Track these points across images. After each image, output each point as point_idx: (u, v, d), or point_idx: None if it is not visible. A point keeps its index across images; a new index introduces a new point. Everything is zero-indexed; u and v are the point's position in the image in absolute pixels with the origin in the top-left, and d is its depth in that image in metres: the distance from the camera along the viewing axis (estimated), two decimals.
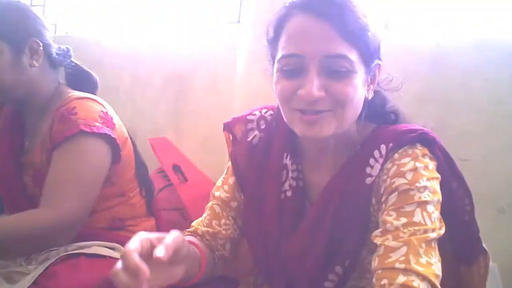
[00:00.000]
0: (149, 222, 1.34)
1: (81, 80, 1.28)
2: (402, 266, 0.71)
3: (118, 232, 1.23)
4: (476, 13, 1.53)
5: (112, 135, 1.13)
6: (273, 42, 0.84)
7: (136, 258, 0.63)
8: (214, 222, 0.97)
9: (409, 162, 0.79)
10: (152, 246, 0.67)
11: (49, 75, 1.21)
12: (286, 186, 0.91)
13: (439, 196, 0.79)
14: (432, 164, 0.81)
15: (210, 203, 1.00)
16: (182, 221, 1.48)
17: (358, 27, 0.78)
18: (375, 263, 0.75)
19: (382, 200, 0.80)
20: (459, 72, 1.42)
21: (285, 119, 0.85)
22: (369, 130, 0.88)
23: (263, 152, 0.95)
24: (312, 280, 0.86)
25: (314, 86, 0.76)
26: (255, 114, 0.99)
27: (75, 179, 1.08)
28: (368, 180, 0.82)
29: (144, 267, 0.62)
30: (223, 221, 0.97)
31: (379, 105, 0.90)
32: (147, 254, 0.66)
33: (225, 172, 1.02)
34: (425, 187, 0.77)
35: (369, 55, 0.81)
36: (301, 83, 0.78)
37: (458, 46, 1.43)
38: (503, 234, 1.33)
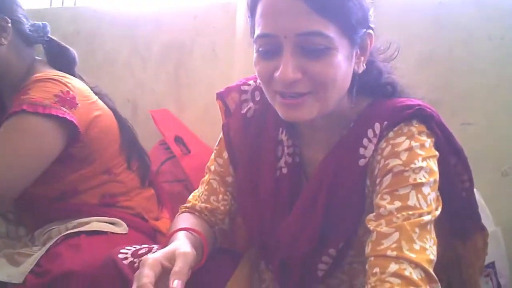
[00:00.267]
0: (144, 193, 1.33)
1: (56, 56, 1.25)
2: (394, 253, 0.69)
3: (111, 209, 1.23)
4: None
5: (67, 117, 1.09)
6: (251, 20, 0.80)
7: None
8: (212, 198, 0.96)
9: (404, 141, 0.76)
10: (163, 267, 0.71)
11: (21, 53, 1.18)
12: (282, 163, 0.88)
13: (436, 176, 0.76)
14: (429, 142, 0.77)
15: (206, 177, 0.98)
16: (186, 193, 1.48)
17: None
18: (368, 249, 0.73)
19: (377, 182, 0.77)
20: (463, 31, 1.38)
21: (269, 100, 0.82)
22: (364, 105, 0.84)
23: (257, 126, 0.92)
24: (306, 261, 0.85)
25: (289, 68, 0.72)
26: (249, 84, 0.95)
27: (4, 154, 1.06)
28: (362, 162, 0.80)
29: None
30: (221, 196, 0.96)
31: (373, 77, 0.84)
32: (160, 277, 0.70)
33: (217, 143, 0.98)
34: (421, 168, 0.74)
35: (351, 27, 0.75)
36: (277, 64, 0.74)
37: (461, 3, 1.39)
38: (506, 198, 1.33)
